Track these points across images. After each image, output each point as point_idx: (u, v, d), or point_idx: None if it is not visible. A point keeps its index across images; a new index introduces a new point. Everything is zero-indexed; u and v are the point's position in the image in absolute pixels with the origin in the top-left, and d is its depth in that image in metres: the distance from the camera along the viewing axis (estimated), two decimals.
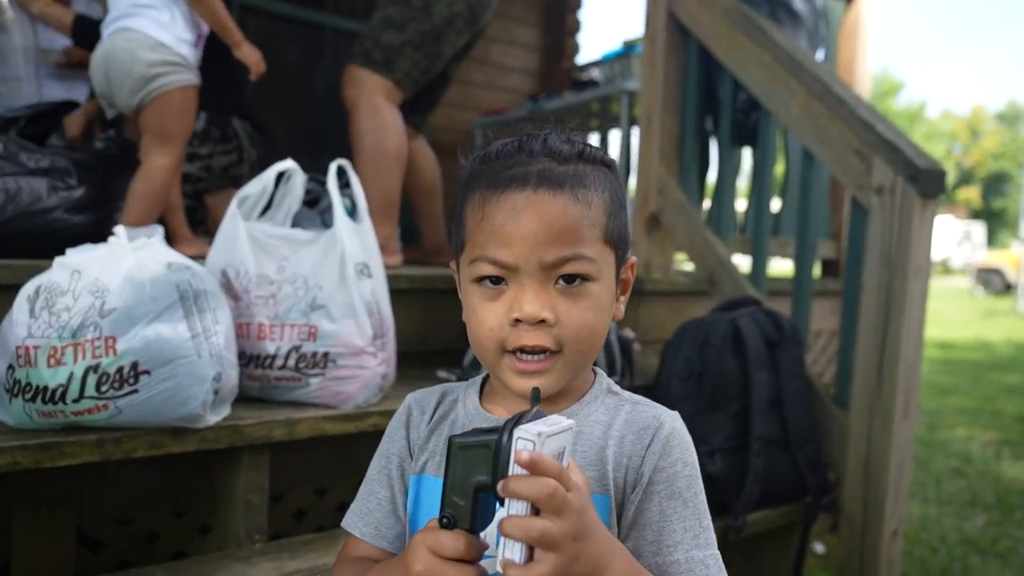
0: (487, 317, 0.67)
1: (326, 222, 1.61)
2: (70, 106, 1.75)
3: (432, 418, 0.76)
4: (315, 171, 1.66)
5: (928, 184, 1.57)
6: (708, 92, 2.28)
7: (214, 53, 2.00)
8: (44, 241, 1.37)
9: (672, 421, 0.71)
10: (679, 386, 1.60)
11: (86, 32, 1.80)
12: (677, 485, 0.68)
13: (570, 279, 0.66)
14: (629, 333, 1.70)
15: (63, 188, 1.42)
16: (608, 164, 0.72)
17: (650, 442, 0.69)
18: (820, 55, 2.59)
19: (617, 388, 0.75)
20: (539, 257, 0.65)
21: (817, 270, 2.79)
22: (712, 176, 2.49)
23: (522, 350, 0.66)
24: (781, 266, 2.91)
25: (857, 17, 2.73)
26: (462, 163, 0.74)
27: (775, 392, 1.62)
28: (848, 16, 2.74)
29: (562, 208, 0.66)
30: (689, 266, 2.44)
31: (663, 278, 2.25)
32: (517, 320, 0.66)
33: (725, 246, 2.15)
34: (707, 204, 2.44)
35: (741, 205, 2.49)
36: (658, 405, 0.73)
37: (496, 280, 0.67)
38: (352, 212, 1.55)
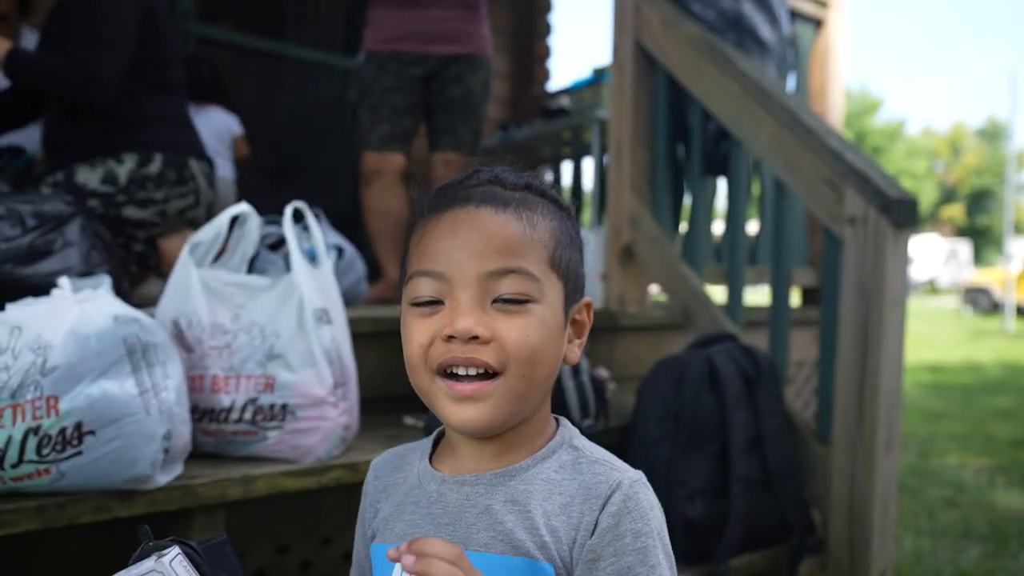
0: (417, 334, 0.64)
1: (289, 266, 1.61)
2: (15, 153, 1.74)
3: (387, 482, 0.75)
4: (281, 210, 1.68)
5: (900, 214, 1.62)
6: (679, 121, 2.34)
7: (168, 86, 2.00)
8: None
9: (629, 487, 0.66)
10: (655, 426, 1.61)
11: (20, 67, 1.78)
12: (625, 560, 0.63)
13: (511, 300, 0.63)
14: (603, 372, 1.71)
15: (5, 238, 1.41)
16: (559, 204, 0.71)
17: (600, 512, 0.64)
18: (790, 82, 2.67)
19: (581, 442, 0.71)
20: (476, 268, 0.63)
21: (797, 299, 2.84)
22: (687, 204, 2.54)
23: (454, 366, 0.63)
24: (763, 294, 2.96)
25: (827, 42, 2.83)
26: (415, 199, 0.74)
27: (754, 430, 1.64)
28: (818, 42, 2.83)
29: (504, 222, 0.64)
30: (664, 299, 2.47)
31: (638, 312, 2.28)
32: (450, 337, 0.62)
33: (700, 277, 2.19)
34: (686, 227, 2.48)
35: (721, 228, 2.53)
36: (620, 466, 0.69)
37: (434, 302, 0.65)
38: (312, 256, 1.56)
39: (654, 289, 2.44)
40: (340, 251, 1.99)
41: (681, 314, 2.14)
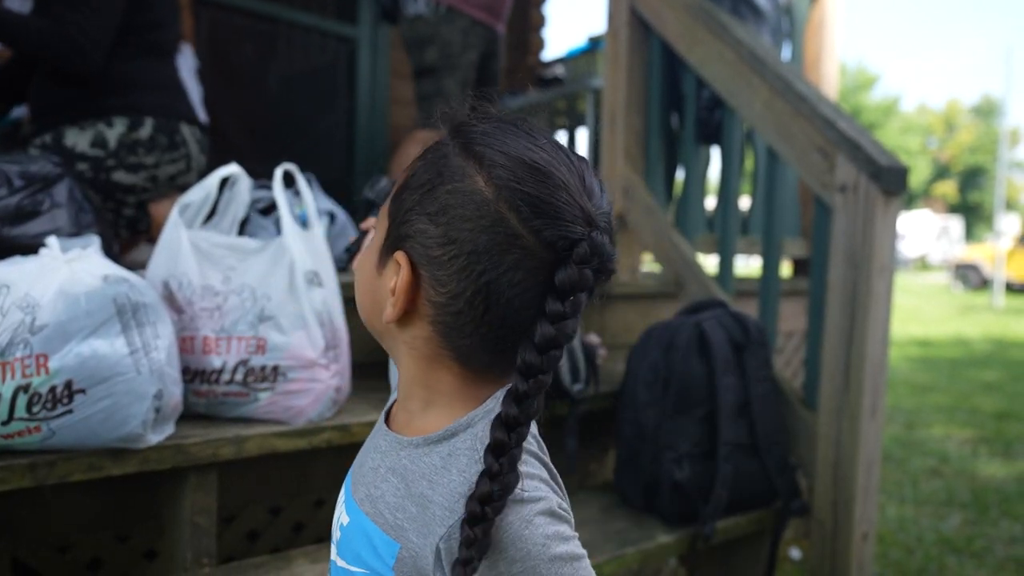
0: None
1: (280, 231, 1.60)
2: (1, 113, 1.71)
3: None
4: (270, 176, 1.67)
5: (890, 182, 1.62)
6: (673, 89, 2.32)
7: (159, 50, 1.97)
8: None
9: (519, 527, 0.54)
10: (644, 391, 1.62)
11: (3, 29, 1.73)
12: None
13: None
14: (594, 338, 1.72)
15: None
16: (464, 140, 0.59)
17: (439, 540, 0.56)
18: (785, 51, 2.65)
19: (490, 432, 0.56)
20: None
21: (788, 269, 2.85)
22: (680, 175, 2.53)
23: None
24: (756, 267, 2.97)
25: (823, 13, 2.80)
26: None
27: (742, 396, 1.65)
28: (814, 12, 2.80)
29: None
30: (656, 267, 2.48)
31: (630, 280, 2.28)
32: None
33: (692, 246, 2.19)
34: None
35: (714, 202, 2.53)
36: (539, 485, 0.57)
37: None
38: (304, 221, 1.55)
39: (646, 258, 2.44)
40: (332, 217, 1.97)
41: (672, 283, 2.14)
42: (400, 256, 0.60)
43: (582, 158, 0.62)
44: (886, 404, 1.71)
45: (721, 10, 2.08)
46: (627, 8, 2.26)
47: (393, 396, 0.75)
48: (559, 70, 3.57)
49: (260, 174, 1.81)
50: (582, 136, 3.87)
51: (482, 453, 0.56)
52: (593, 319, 2.12)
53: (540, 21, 4.72)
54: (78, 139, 1.83)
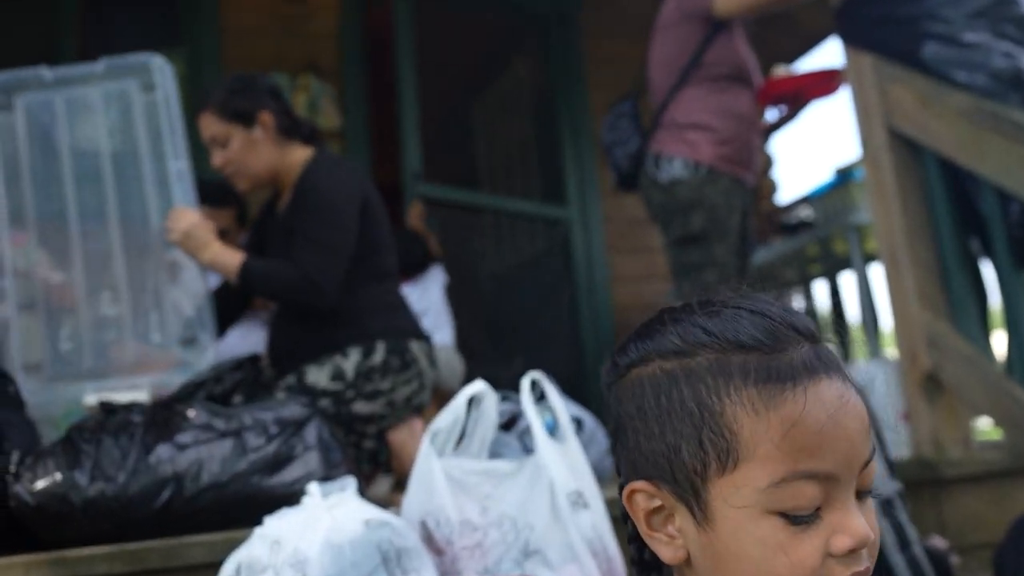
0: (805, 556, 0.59)
1: (526, 446, 1.66)
2: (254, 360, 2.03)
3: None
4: (508, 374, 1.78)
5: None
6: (967, 209, 2.18)
7: (382, 272, 2.25)
8: (239, 510, 1.54)
9: None
10: None
11: (251, 278, 2.10)
12: None
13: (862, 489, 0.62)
14: (940, 542, 1.52)
15: (252, 449, 1.62)
16: None
17: None
18: None
19: None
20: (859, 460, 0.61)
21: None
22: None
23: None
24: None
25: None
26: (663, 344, 0.66)
27: None
28: None
29: (855, 395, 0.63)
30: (995, 434, 2.19)
31: (964, 456, 2.03)
32: (851, 550, 0.59)
33: None
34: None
35: None
36: None
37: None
38: (553, 430, 1.60)
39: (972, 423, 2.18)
40: (579, 423, 2.02)
41: None
42: None
43: None
44: None
45: (1010, 107, 1.98)
46: (884, 129, 2.23)
47: None
48: (804, 212, 3.54)
49: (499, 379, 1.93)
50: (848, 281, 3.72)
51: None
52: (925, 512, 1.89)
53: (768, 161, 4.78)
54: (319, 376, 2.09)
